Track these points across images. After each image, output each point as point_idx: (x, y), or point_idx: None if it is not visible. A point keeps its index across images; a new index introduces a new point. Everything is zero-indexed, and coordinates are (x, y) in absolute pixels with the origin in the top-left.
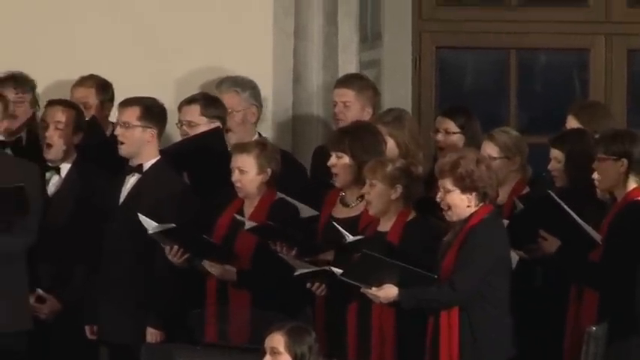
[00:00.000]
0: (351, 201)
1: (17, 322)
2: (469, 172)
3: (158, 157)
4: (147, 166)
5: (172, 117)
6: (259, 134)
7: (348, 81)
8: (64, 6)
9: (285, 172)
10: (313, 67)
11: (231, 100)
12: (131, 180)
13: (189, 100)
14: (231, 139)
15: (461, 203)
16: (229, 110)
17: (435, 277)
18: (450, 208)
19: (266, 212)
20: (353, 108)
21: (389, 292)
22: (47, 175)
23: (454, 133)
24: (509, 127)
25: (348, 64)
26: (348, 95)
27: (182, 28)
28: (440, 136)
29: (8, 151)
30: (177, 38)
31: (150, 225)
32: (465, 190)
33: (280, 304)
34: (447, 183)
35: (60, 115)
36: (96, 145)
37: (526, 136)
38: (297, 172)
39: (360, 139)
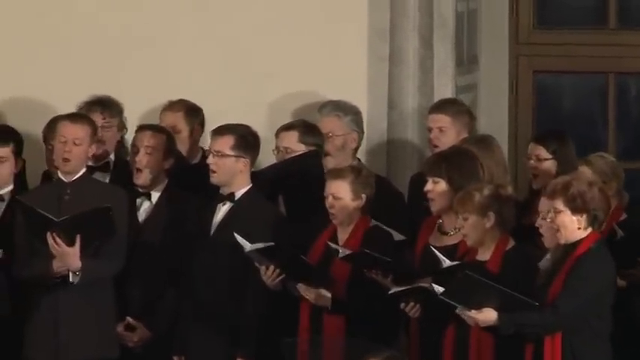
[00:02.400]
0: (449, 229)
1: (104, 349)
2: (581, 193)
3: (250, 185)
4: (239, 194)
5: (264, 143)
6: (358, 160)
7: (442, 106)
8: (155, 29)
9: (382, 198)
10: (408, 92)
11: (331, 124)
12: (223, 208)
13: (288, 127)
14: (329, 163)
15: (571, 225)
16: (329, 134)
17: (537, 304)
18: (559, 229)
19: (360, 239)
20: (449, 133)
21: (488, 315)
22: (138, 201)
23: (545, 159)
24: (607, 152)
25: (444, 89)
26: (443, 121)
27: (275, 53)
28: (532, 163)
29: (97, 175)
30: (270, 63)
31: (246, 244)
32: (575, 211)
33: (375, 332)
34: (558, 203)
35: (150, 140)
36: (182, 172)
37: (624, 162)
38: (394, 199)
39: (457, 164)
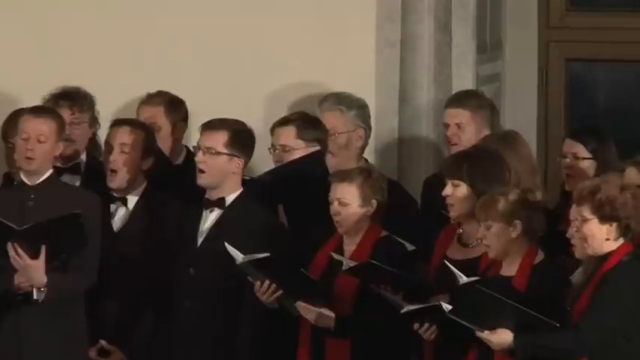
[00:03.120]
0: (470, 239)
1: None
2: (610, 199)
3: (241, 190)
4: (230, 199)
5: (259, 141)
6: (365, 160)
7: (461, 99)
8: (132, 9)
9: (392, 204)
10: (422, 83)
11: (334, 119)
12: (211, 216)
13: (284, 121)
14: (332, 164)
15: (599, 235)
16: (331, 131)
17: (557, 325)
18: (586, 239)
19: (369, 251)
20: (468, 130)
21: (502, 337)
22: (112, 206)
23: (584, 158)
24: None
25: (463, 79)
26: (462, 116)
27: (270, 38)
28: (567, 162)
29: (65, 178)
30: (266, 50)
31: (238, 255)
32: (604, 219)
33: (384, 358)
34: (585, 210)
35: (126, 137)
36: (164, 174)
37: None
38: (406, 206)
39: (481, 165)
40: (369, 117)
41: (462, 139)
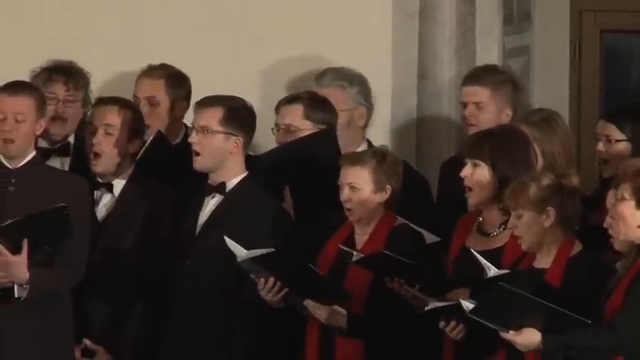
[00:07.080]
0: (490, 228)
1: None
2: None
3: (245, 174)
4: (231, 185)
5: (260, 120)
6: (368, 141)
7: (479, 76)
8: None
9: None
10: (443, 57)
11: (334, 96)
12: (211, 203)
13: (291, 99)
14: None
15: (631, 219)
16: None
17: (589, 322)
18: (618, 220)
19: (383, 241)
20: (487, 110)
21: (529, 337)
22: (96, 193)
23: (618, 141)
24: None
25: (488, 53)
26: (480, 94)
27: (274, 8)
28: (601, 145)
29: (55, 160)
30: (268, 21)
31: (240, 251)
32: None
33: (401, 359)
34: (625, 190)
35: (112, 117)
36: (158, 159)
37: None
38: (417, 187)
39: (504, 146)
40: (370, 93)
41: (480, 119)
